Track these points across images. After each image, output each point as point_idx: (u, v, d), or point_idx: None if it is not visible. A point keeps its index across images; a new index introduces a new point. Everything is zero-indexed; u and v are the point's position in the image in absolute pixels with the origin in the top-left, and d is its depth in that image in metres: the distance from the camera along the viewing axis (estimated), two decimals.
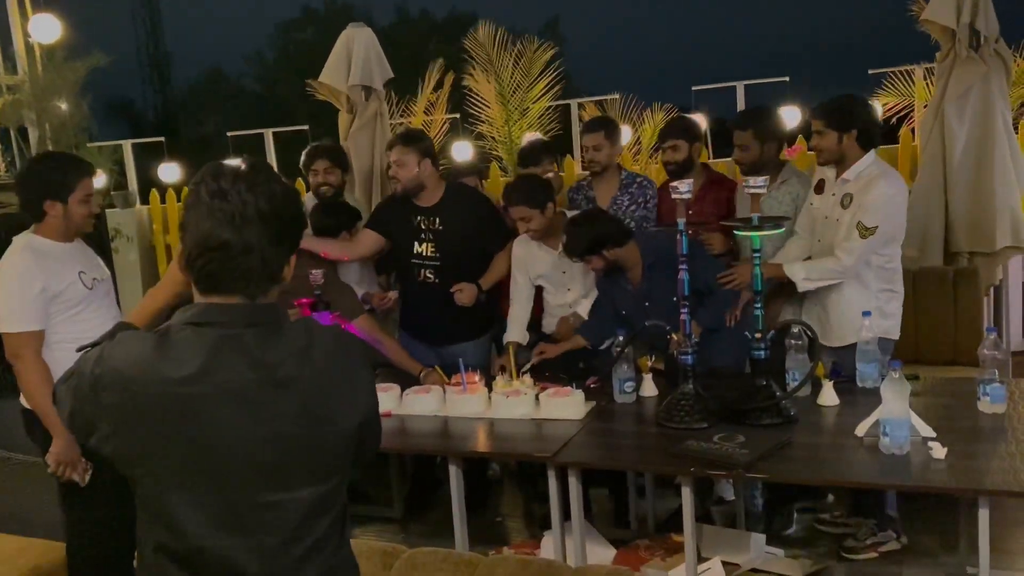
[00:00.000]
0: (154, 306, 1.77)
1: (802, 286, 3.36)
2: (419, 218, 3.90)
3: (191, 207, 1.44)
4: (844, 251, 3.30)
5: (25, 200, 3.03)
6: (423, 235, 3.90)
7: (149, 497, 1.44)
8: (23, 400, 3.02)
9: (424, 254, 3.91)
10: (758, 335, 2.96)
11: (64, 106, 6.02)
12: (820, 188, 3.53)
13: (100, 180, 6.93)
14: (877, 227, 3.24)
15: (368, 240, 4.02)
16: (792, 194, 3.77)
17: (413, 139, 3.89)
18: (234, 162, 1.49)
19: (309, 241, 3.81)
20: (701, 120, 6.85)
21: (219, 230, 1.41)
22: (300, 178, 4.37)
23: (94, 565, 3.06)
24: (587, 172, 4.27)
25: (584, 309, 3.78)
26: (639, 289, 3.54)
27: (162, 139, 9.05)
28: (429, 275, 3.92)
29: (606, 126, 4.14)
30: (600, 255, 3.45)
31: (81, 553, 3.06)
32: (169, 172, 7.82)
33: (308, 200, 4.31)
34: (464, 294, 3.80)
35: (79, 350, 1.60)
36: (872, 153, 3.37)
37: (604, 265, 3.50)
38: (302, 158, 4.49)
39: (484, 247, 3.95)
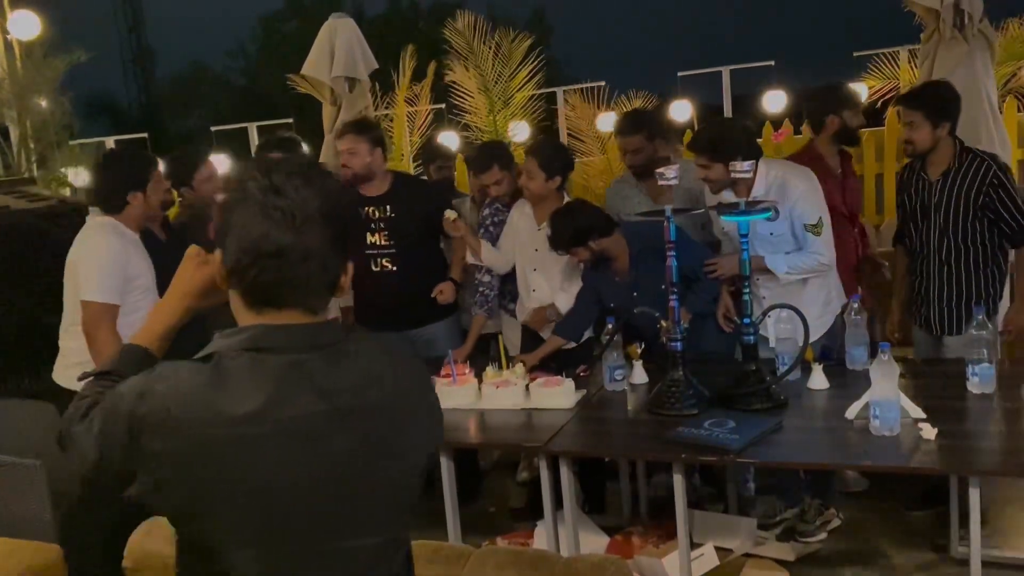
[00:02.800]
0: (163, 326, 1.50)
1: (783, 279, 3.34)
2: (369, 209, 3.88)
3: (235, 206, 1.24)
4: (815, 252, 3.29)
5: (108, 192, 3.24)
6: (374, 224, 3.88)
7: (204, 554, 1.23)
8: (55, 376, 3.28)
9: (378, 243, 3.90)
10: (747, 320, 2.96)
11: (45, 103, 5.95)
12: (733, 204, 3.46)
13: (83, 177, 6.87)
14: (820, 219, 3.27)
15: None
16: (686, 185, 3.73)
17: (365, 128, 3.92)
18: (274, 156, 1.33)
19: None
20: (684, 108, 6.87)
21: (276, 233, 1.20)
22: None
23: (94, 561, 3.06)
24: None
25: (563, 303, 3.73)
26: (626, 279, 3.52)
27: (145, 135, 9.00)
28: (386, 263, 3.91)
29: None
30: (586, 246, 3.44)
31: (79, 552, 3.07)
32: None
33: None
34: (445, 294, 3.86)
35: (81, 379, 1.44)
36: (762, 161, 3.34)
37: (590, 256, 3.48)
38: (179, 156, 4.20)
39: (438, 230, 3.94)
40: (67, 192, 5.90)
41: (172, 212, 4.03)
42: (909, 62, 6.41)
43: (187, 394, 1.20)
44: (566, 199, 3.77)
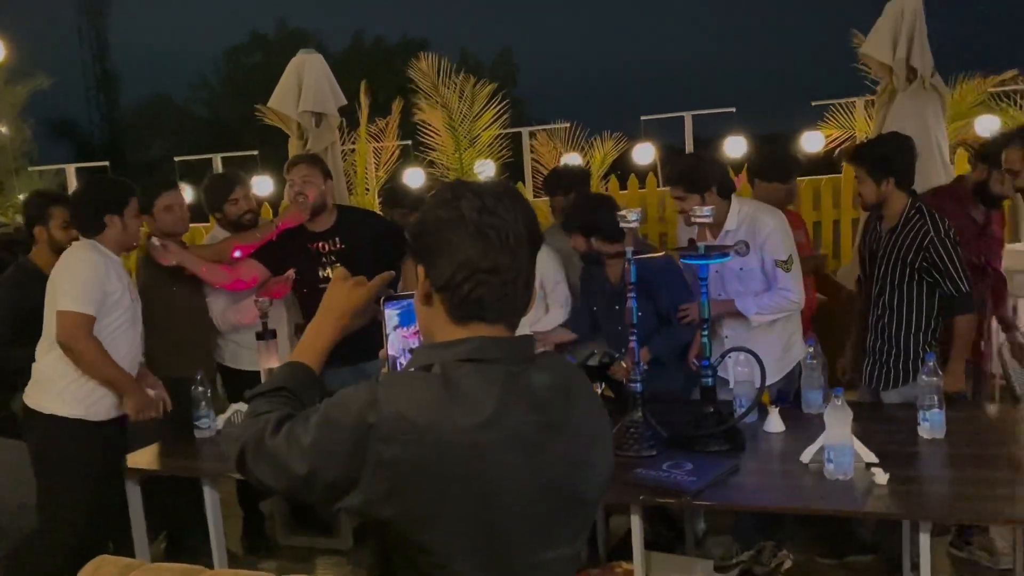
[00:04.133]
0: (322, 344, 1.54)
1: (754, 320, 3.39)
2: (319, 244, 3.85)
3: (447, 227, 1.27)
4: (785, 289, 3.35)
5: (85, 214, 3.33)
6: (326, 259, 3.85)
7: (429, 564, 1.25)
8: (25, 398, 3.31)
9: (331, 277, 3.83)
10: (705, 363, 2.99)
11: (4, 129, 5.88)
12: (692, 248, 3.50)
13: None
14: (790, 256, 3.34)
15: (250, 269, 3.83)
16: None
17: (315, 160, 3.98)
18: (470, 181, 1.37)
19: (185, 258, 3.74)
20: (647, 150, 6.98)
21: (493, 251, 1.25)
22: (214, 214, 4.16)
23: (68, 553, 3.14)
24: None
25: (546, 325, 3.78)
26: (616, 287, 3.58)
27: (107, 163, 8.91)
28: None
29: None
30: (588, 239, 3.54)
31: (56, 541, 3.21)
32: None
33: (220, 233, 4.13)
34: None
35: (249, 396, 1.45)
36: (735, 198, 3.44)
37: (585, 249, 3.58)
38: (210, 187, 4.21)
39: (388, 259, 3.88)
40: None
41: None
42: (865, 111, 6.60)
43: (423, 402, 1.23)
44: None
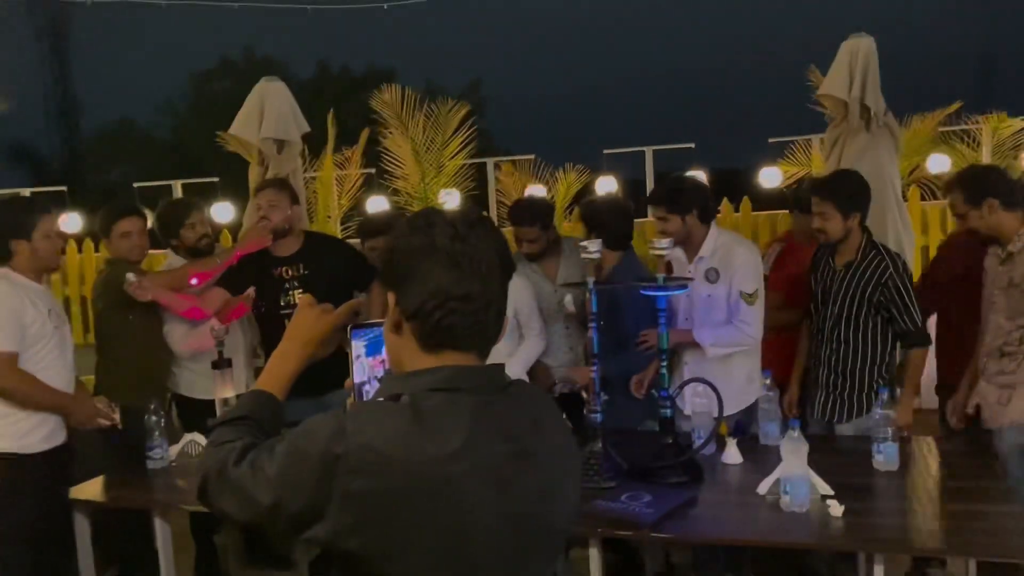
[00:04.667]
0: (287, 372, 1.52)
1: (709, 352, 3.40)
2: (282, 268, 3.84)
3: (419, 253, 1.26)
4: (744, 323, 3.36)
5: None
6: (287, 284, 3.83)
7: None
8: None
9: (293, 303, 3.81)
10: (664, 393, 3.01)
11: None
12: (669, 270, 3.45)
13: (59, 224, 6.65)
14: (756, 290, 3.36)
15: (216, 297, 3.82)
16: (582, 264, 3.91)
17: (282, 184, 3.99)
18: (443, 209, 1.36)
19: (160, 293, 3.69)
20: (609, 183, 7.06)
21: (465, 279, 1.24)
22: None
23: None
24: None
25: (516, 368, 3.70)
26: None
27: (63, 188, 8.79)
28: None
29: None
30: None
31: None
32: (71, 223, 7.57)
33: (176, 261, 4.05)
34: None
35: (211, 425, 1.43)
36: (715, 226, 3.47)
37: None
38: (165, 212, 4.11)
39: (352, 287, 3.89)
40: None
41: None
42: (821, 149, 6.73)
43: (392, 432, 1.20)
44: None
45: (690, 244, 3.45)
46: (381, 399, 1.29)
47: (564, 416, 1.48)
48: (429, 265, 1.25)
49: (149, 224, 4.07)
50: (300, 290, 3.81)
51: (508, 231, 4.43)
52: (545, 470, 1.30)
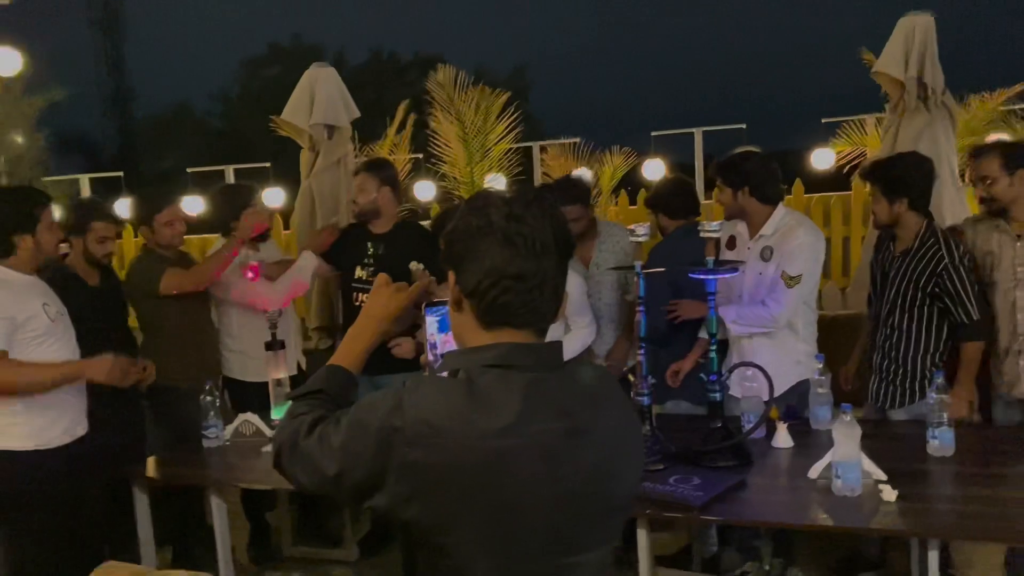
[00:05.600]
0: (362, 348, 1.59)
1: (732, 329, 3.38)
2: (368, 244, 3.97)
3: (477, 233, 1.29)
4: (773, 300, 3.32)
5: None
6: (366, 260, 3.96)
7: (448, 568, 1.27)
8: None
9: (364, 278, 3.95)
10: (713, 377, 2.99)
11: (21, 140, 5.93)
12: (732, 244, 3.54)
13: (56, 214, 6.82)
14: (801, 275, 3.28)
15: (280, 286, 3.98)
16: (618, 248, 3.92)
17: (375, 166, 4.04)
18: (502, 189, 1.40)
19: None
20: (657, 166, 6.99)
21: (519, 258, 1.27)
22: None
23: None
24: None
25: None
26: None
27: (120, 174, 8.97)
28: (365, 299, 3.90)
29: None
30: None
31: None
32: (127, 207, 7.75)
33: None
34: (402, 348, 3.68)
35: (289, 398, 1.51)
36: (782, 207, 3.42)
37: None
38: (228, 197, 4.13)
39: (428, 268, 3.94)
40: None
41: (130, 251, 4.04)
42: (876, 128, 6.59)
43: (447, 407, 1.24)
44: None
45: (750, 221, 3.43)
46: (440, 375, 1.33)
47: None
48: (485, 245, 1.28)
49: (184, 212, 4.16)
50: (372, 268, 3.92)
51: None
52: (601, 448, 1.31)
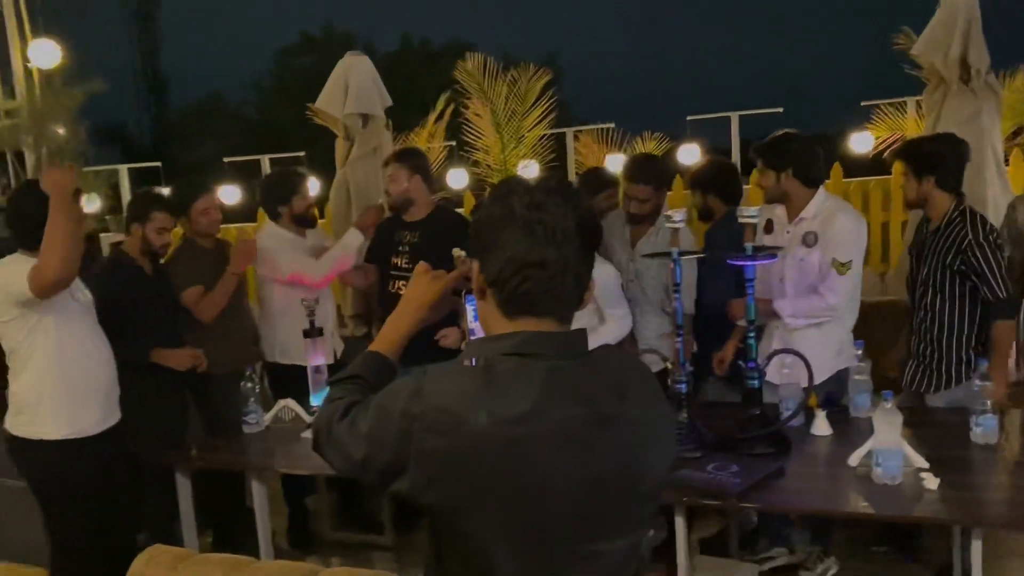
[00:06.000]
0: (399, 335, 1.62)
1: (790, 322, 3.33)
2: (402, 232, 4.00)
3: (499, 222, 1.30)
4: (828, 290, 3.24)
5: (20, 229, 3.02)
6: (401, 248, 3.98)
7: (469, 551, 1.28)
8: (9, 427, 3.11)
9: (399, 266, 3.98)
10: (752, 364, 2.97)
11: (61, 131, 6.04)
12: (769, 228, 3.46)
13: (95, 204, 6.94)
14: (851, 261, 3.23)
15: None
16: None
17: (406, 156, 4.06)
18: (528, 177, 1.42)
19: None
20: (692, 151, 6.93)
21: (539, 246, 1.27)
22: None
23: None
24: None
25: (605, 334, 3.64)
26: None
27: (159, 164, 9.09)
28: (402, 288, 3.96)
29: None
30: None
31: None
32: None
33: (274, 229, 4.16)
34: (449, 339, 3.72)
35: (329, 383, 1.53)
36: (823, 190, 3.35)
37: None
38: (278, 182, 4.25)
39: (452, 267, 3.93)
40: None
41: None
42: (916, 112, 6.48)
43: (463, 394, 1.26)
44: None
45: (790, 205, 3.37)
46: (461, 363, 1.33)
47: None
48: (506, 233, 1.29)
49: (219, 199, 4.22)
50: (407, 256, 3.94)
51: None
52: (628, 435, 1.30)
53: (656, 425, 1.37)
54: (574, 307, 1.35)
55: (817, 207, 3.32)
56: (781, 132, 3.41)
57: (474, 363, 1.30)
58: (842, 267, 3.22)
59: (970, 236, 3.16)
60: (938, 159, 3.28)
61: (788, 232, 3.38)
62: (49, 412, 3.04)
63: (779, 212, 3.43)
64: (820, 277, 3.28)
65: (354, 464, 1.35)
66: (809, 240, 3.31)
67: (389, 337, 1.62)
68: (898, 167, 3.48)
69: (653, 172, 3.79)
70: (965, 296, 3.25)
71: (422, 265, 1.65)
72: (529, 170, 7.35)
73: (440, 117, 7.55)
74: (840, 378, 3.38)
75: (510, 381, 1.27)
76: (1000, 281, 3.15)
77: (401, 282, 3.97)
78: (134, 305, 3.62)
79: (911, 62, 4.88)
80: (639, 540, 1.38)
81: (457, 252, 3.76)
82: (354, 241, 4.06)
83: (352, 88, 5.09)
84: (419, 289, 1.63)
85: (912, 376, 3.41)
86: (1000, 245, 3.21)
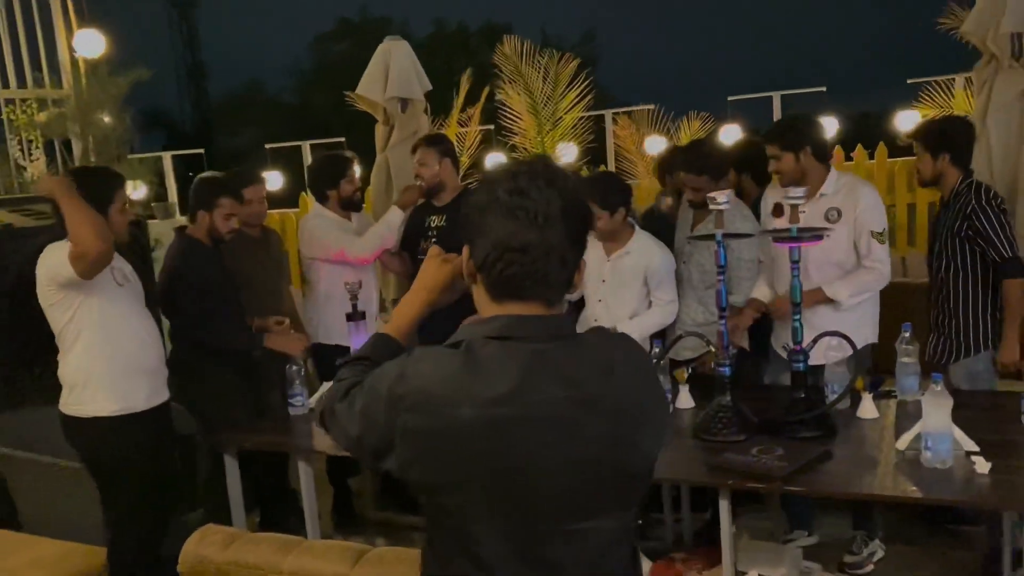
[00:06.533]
0: (409, 318, 1.64)
1: (848, 304, 3.32)
2: (431, 217, 4.07)
3: (485, 208, 1.33)
4: (877, 261, 3.29)
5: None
6: (430, 232, 4.05)
7: (453, 527, 1.34)
8: (62, 407, 3.18)
9: (427, 250, 3.96)
10: (797, 347, 2.94)
11: (107, 119, 6.13)
12: (779, 211, 3.40)
13: (141, 191, 7.04)
14: (885, 229, 3.31)
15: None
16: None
17: (434, 141, 4.14)
18: (516, 160, 1.42)
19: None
20: (734, 132, 6.84)
21: (522, 230, 1.30)
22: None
23: (135, 568, 3.15)
24: None
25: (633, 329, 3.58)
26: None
27: (202, 151, 9.21)
28: None
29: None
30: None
31: (122, 556, 3.17)
32: None
33: (323, 212, 4.21)
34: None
35: (338, 364, 1.58)
36: (833, 168, 3.40)
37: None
38: (328, 165, 4.30)
39: None
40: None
41: None
42: (965, 89, 6.32)
43: (444, 376, 1.31)
44: (635, 226, 3.72)
45: (807, 183, 3.32)
46: (444, 345, 1.38)
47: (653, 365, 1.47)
48: (490, 219, 1.32)
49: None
50: (435, 240, 4.00)
51: (635, 185, 4.37)
52: (613, 416, 1.33)
53: (645, 405, 1.38)
54: (562, 290, 1.37)
55: (835, 183, 3.37)
56: (787, 115, 3.48)
57: (459, 346, 1.34)
58: (880, 236, 3.28)
59: (973, 201, 3.31)
60: (953, 137, 3.45)
61: (804, 212, 3.31)
62: (98, 389, 3.12)
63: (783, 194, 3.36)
64: (847, 253, 3.30)
65: (351, 441, 1.40)
66: (832, 216, 3.32)
67: (398, 320, 1.65)
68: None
69: (708, 163, 3.71)
70: (977, 263, 3.38)
71: (433, 249, 1.67)
72: (567, 154, 7.32)
73: (474, 100, 7.52)
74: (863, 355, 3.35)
75: (492, 364, 1.30)
76: (1005, 241, 3.29)
77: None
78: (220, 288, 3.68)
79: (958, 39, 4.75)
80: (628, 526, 1.41)
81: None
82: (396, 219, 4.09)
83: (392, 72, 5.10)
84: (428, 273, 1.64)
85: (934, 349, 3.51)
86: (1004, 209, 3.35)
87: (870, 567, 3.39)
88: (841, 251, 3.32)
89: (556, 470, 1.29)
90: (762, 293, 3.55)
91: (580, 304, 3.86)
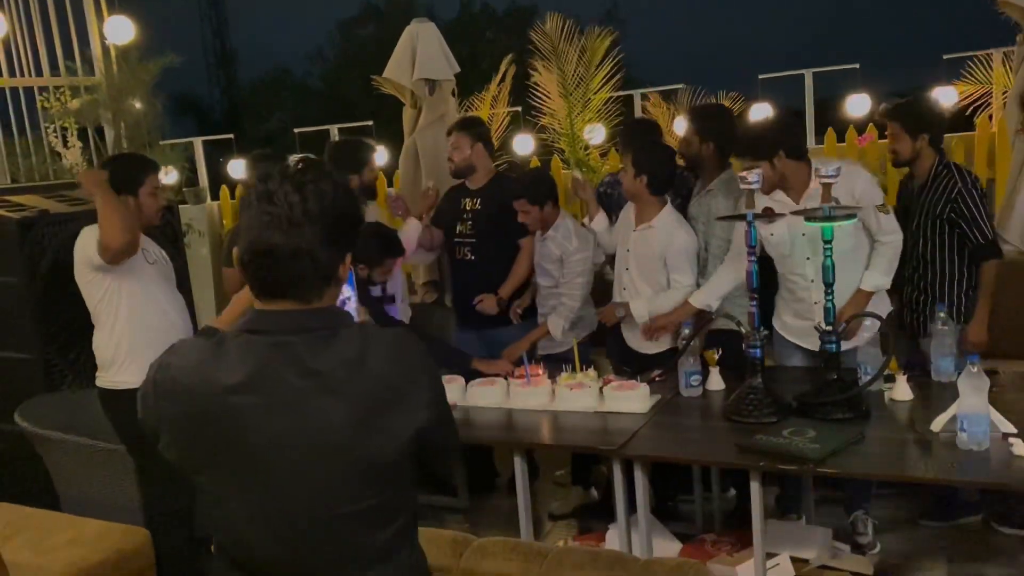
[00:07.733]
0: (238, 309, 1.81)
1: (886, 285, 3.27)
2: (465, 199, 4.12)
3: (243, 211, 1.42)
4: (887, 233, 3.22)
5: None
6: (465, 215, 4.10)
7: (212, 505, 1.44)
8: (98, 382, 3.34)
9: (464, 232, 4.10)
10: (829, 328, 2.91)
11: (139, 105, 6.19)
12: (771, 214, 3.24)
13: (172, 176, 7.12)
14: (884, 199, 3.28)
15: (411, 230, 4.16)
16: (708, 207, 3.66)
17: (468, 124, 4.18)
18: (292, 159, 1.46)
19: None
20: (765, 110, 6.74)
21: (267, 234, 1.37)
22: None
23: (177, 545, 3.27)
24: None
25: (639, 308, 3.59)
26: None
27: (231, 136, 9.25)
28: (467, 253, 4.11)
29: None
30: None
31: (163, 531, 3.26)
32: (239, 168, 7.99)
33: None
34: (484, 304, 3.96)
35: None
36: (814, 160, 3.27)
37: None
38: (350, 151, 4.33)
39: (513, 232, 3.98)
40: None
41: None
42: (1004, 64, 6.17)
43: (193, 366, 1.41)
44: (667, 202, 3.66)
45: (790, 185, 3.25)
46: (206, 338, 1.47)
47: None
48: (245, 221, 1.41)
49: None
50: (470, 222, 4.07)
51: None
52: (361, 405, 1.37)
53: (396, 394, 1.41)
54: (317, 288, 1.42)
55: (824, 173, 3.20)
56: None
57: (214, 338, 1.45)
58: (883, 208, 3.24)
59: (959, 185, 3.43)
60: (931, 118, 3.61)
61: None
62: (130, 361, 3.25)
63: (780, 197, 3.29)
64: (855, 237, 3.22)
65: (142, 423, 1.50)
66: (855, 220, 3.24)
67: (230, 313, 1.87)
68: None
69: (749, 145, 3.54)
70: (955, 244, 3.50)
71: None
72: (595, 135, 7.25)
73: (502, 80, 7.48)
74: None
75: (234, 354, 1.38)
76: (985, 225, 3.43)
77: (466, 249, 4.05)
78: None
79: (996, 12, 4.64)
80: (387, 507, 1.43)
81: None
82: (413, 230, 4.14)
83: (420, 54, 5.10)
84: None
85: (910, 325, 3.66)
86: (984, 193, 3.49)
87: (878, 546, 3.40)
88: (848, 238, 3.19)
89: (299, 456, 1.36)
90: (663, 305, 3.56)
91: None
